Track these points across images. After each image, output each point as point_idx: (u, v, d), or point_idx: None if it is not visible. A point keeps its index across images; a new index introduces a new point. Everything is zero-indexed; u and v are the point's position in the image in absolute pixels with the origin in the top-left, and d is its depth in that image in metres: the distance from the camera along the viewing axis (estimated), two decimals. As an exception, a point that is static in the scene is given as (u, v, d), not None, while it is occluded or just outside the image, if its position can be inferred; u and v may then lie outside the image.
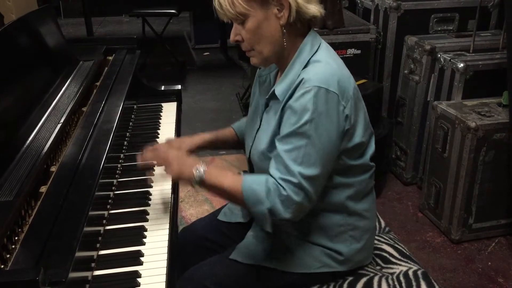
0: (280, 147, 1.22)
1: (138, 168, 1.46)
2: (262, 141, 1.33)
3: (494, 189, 2.45)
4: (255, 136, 1.39)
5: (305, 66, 1.26)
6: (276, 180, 1.20)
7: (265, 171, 1.27)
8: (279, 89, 1.28)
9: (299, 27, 1.28)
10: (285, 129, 1.22)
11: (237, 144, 1.64)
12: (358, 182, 1.34)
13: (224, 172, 1.28)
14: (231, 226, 1.57)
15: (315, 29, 1.33)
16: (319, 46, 1.29)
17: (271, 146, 1.28)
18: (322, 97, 1.18)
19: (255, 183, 1.22)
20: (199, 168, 1.26)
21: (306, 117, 1.18)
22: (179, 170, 1.30)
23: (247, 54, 1.32)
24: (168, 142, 1.53)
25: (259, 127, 1.38)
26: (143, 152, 1.41)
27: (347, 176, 1.32)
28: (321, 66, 1.24)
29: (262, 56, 1.29)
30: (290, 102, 1.22)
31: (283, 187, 1.19)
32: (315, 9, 1.25)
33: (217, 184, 1.26)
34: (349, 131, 1.25)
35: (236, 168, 2.96)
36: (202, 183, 1.27)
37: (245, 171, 1.51)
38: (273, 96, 1.30)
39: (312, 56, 1.27)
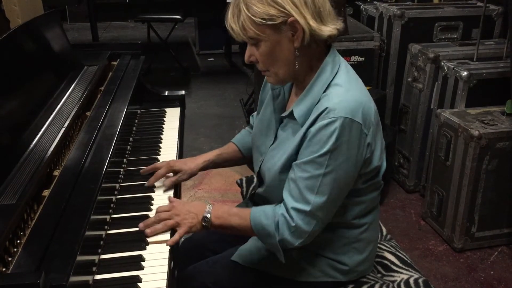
0: (298, 173, 1.21)
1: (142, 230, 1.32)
2: (275, 160, 1.31)
3: (497, 198, 2.44)
4: (267, 151, 1.37)
5: (326, 89, 1.23)
6: (287, 210, 1.21)
7: (276, 189, 1.29)
8: (298, 111, 1.25)
9: (315, 47, 1.24)
10: (304, 156, 1.20)
11: (241, 160, 1.62)
12: (368, 200, 1.34)
13: (230, 210, 1.31)
14: None
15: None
16: (339, 66, 1.26)
17: (286, 167, 1.27)
18: (346, 128, 1.16)
19: (263, 217, 1.25)
20: (206, 214, 1.29)
21: (327, 147, 1.16)
22: (190, 224, 1.30)
23: (263, 73, 1.30)
24: (169, 164, 1.53)
25: (273, 143, 1.36)
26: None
27: (358, 196, 1.31)
28: (344, 92, 1.21)
29: (277, 77, 1.28)
30: (313, 129, 1.19)
31: (292, 218, 1.20)
32: (330, 29, 1.21)
33: (226, 224, 1.30)
34: (369, 158, 1.24)
35: (239, 174, 2.96)
36: (211, 227, 1.30)
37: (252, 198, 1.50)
38: (291, 115, 1.28)
39: (333, 79, 1.24)
